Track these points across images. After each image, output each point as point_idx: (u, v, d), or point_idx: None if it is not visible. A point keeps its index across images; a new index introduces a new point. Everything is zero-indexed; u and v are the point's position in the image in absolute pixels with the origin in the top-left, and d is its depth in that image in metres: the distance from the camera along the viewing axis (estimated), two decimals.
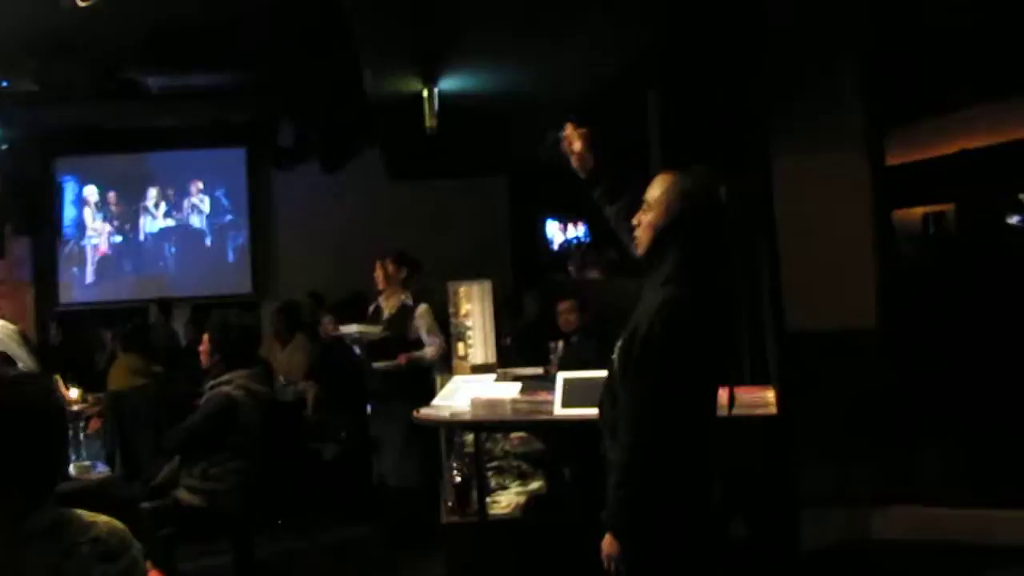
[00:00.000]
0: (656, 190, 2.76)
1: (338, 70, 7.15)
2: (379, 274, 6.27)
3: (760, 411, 3.67)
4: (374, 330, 6.14)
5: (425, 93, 6.08)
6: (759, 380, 4.14)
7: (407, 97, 6.34)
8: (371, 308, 6.48)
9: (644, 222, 2.76)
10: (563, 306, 6.85)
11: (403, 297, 6.20)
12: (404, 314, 6.10)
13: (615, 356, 2.74)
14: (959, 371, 5.59)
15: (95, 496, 3.20)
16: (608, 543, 2.66)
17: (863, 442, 4.89)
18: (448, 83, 6.18)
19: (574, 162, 3.22)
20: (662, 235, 2.71)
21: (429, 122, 6.18)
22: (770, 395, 3.78)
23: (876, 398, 4.96)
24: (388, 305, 6.27)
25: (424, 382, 5.72)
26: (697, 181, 2.74)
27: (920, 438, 5.11)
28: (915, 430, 5.09)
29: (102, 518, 2.05)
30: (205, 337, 4.95)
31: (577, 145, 3.18)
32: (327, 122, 10.01)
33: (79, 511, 2.03)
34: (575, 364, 5.38)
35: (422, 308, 6.07)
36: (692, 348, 2.62)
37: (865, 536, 4.74)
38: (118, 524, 2.07)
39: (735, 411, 3.32)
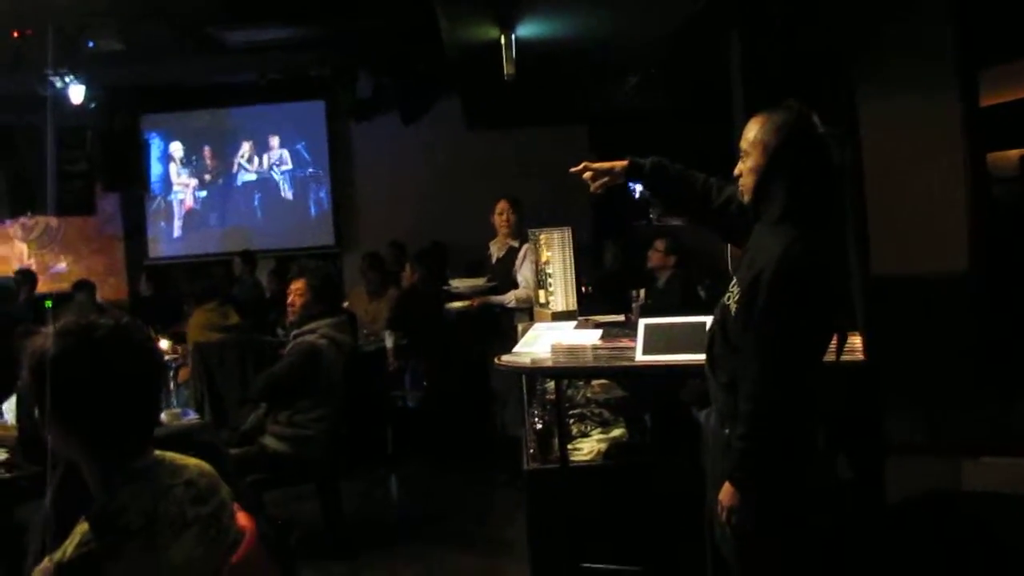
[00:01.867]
0: (750, 132, 2.69)
1: (414, 19, 7.12)
2: (501, 218, 6.30)
3: (847, 357, 3.58)
4: (478, 282, 6.22)
5: (503, 40, 6.02)
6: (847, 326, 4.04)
7: (484, 45, 6.29)
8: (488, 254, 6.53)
9: (745, 169, 2.70)
10: (657, 244, 6.83)
11: (511, 241, 6.22)
12: (512, 257, 6.13)
13: (731, 301, 2.70)
14: None
15: (182, 442, 3.26)
16: (728, 495, 2.62)
17: (954, 390, 4.76)
18: (525, 29, 6.11)
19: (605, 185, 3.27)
20: (766, 175, 2.64)
21: (508, 69, 6.13)
22: (857, 341, 3.69)
23: (968, 345, 4.82)
24: (498, 249, 6.35)
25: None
26: (790, 114, 2.65)
27: (1013, 386, 4.95)
28: (1008, 378, 4.94)
29: (192, 461, 2.10)
30: (297, 286, 5.02)
31: (600, 183, 3.18)
32: (405, 73, 9.99)
33: (172, 454, 2.09)
34: (659, 311, 5.36)
35: (528, 246, 5.94)
36: (818, 293, 2.56)
37: (955, 487, 4.63)
38: (207, 467, 2.13)
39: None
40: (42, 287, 10.91)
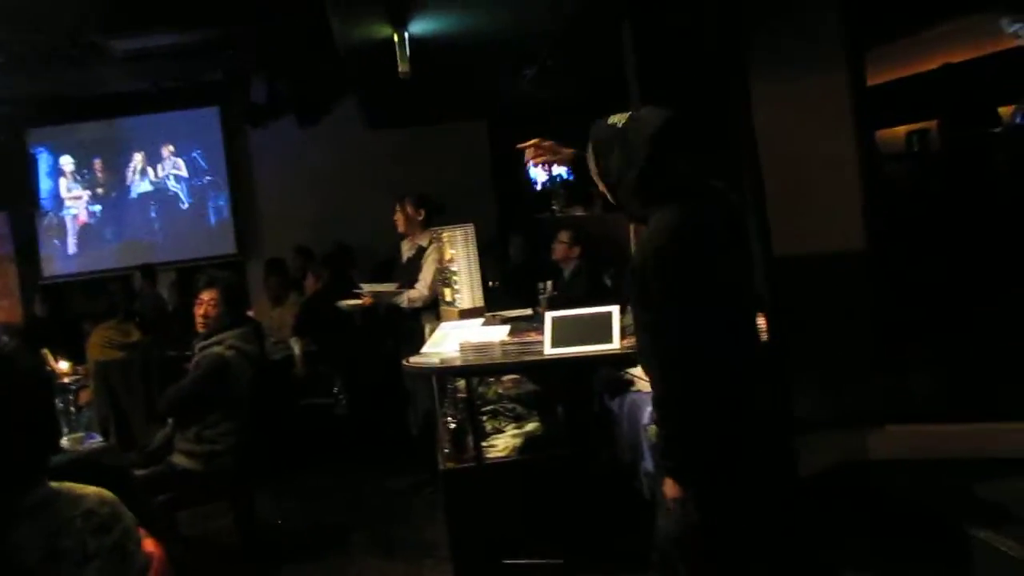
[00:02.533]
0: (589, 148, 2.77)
1: (307, 20, 7.01)
2: (399, 217, 6.21)
3: None
4: (388, 287, 6.11)
5: (396, 38, 5.96)
6: None
7: (378, 43, 6.22)
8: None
9: (594, 177, 2.77)
10: (561, 235, 6.85)
11: (420, 241, 6.12)
12: (420, 256, 6.04)
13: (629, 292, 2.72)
14: (947, 288, 5.59)
15: (86, 467, 3.17)
16: (670, 486, 2.60)
17: (855, 364, 4.89)
18: (418, 26, 6.06)
19: (560, 165, 3.24)
20: (607, 176, 2.71)
21: (402, 67, 6.07)
22: (761, 321, 3.76)
23: (866, 319, 4.95)
24: (406, 248, 6.27)
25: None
26: (610, 116, 2.73)
27: (911, 357, 5.11)
28: (906, 349, 5.09)
29: (91, 489, 2.03)
30: (208, 296, 4.89)
31: (547, 156, 3.21)
32: (300, 75, 9.85)
33: (69, 484, 2.00)
34: (566, 302, 5.39)
35: (433, 247, 5.85)
36: (694, 268, 2.53)
37: (862, 458, 4.76)
38: (108, 494, 2.05)
39: None
40: None
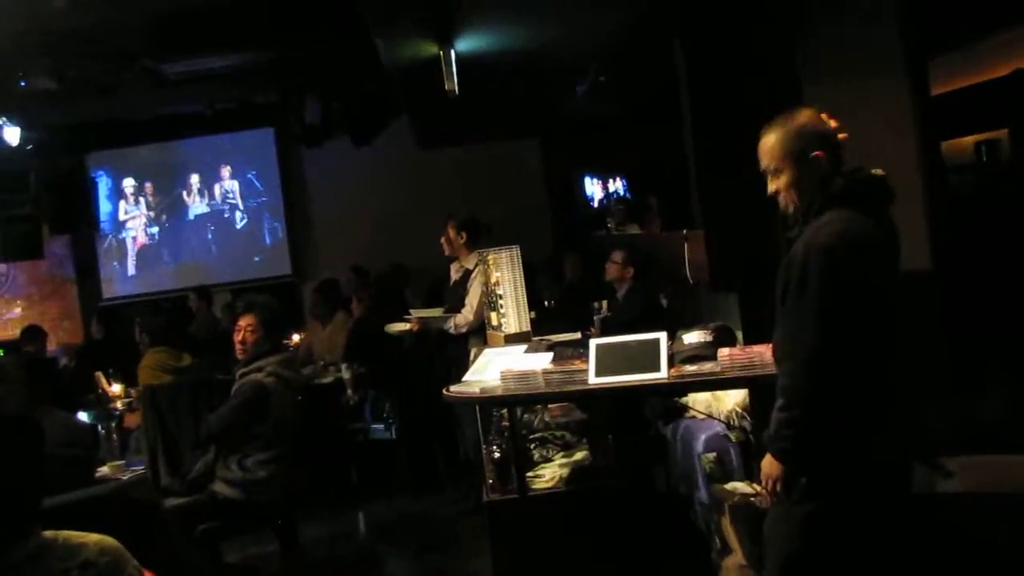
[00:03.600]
0: (769, 150, 2.73)
1: (359, 41, 6.95)
2: (444, 240, 6.11)
3: None
4: (435, 313, 6.04)
5: (442, 56, 5.87)
6: None
7: (424, 62, 6.14)
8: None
9: (781, 187, 2.73)
10: (615, 256, 6.67)
11: (467, 263, 6.01)
12: (466, 279, 5.94)
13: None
14: (1020, 306, 5.29)
15: (114, 502, 3.10)
16: (768, 463, 2.64)
17: (921, 390, 4.62)
18: (465, 44, 5.96)
19: None
20: (810, 184, 2.68)
21: (448, 86, 5.98)
22: None
23: (934, 342, 4.69)
24: (454, 271, 6.18)
25: None
26: (799, 116, 2.73)
27: (984, 382, 4.83)
28: (978, 373, 4.82)
29: (92, 538, 1.92)
30: (247, 322, 4.81)
31: None
32: (353, 95, 9.83)
33: (67, 533, 1.90)
34: (621, 324, 5.21)
35: (477, 271, 5.77)
36: (848, 266, 2.54)
37: (931, 490, 4.49)
38: (109, 543, 1.94)
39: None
40: None
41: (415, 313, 6.14)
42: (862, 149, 4.79)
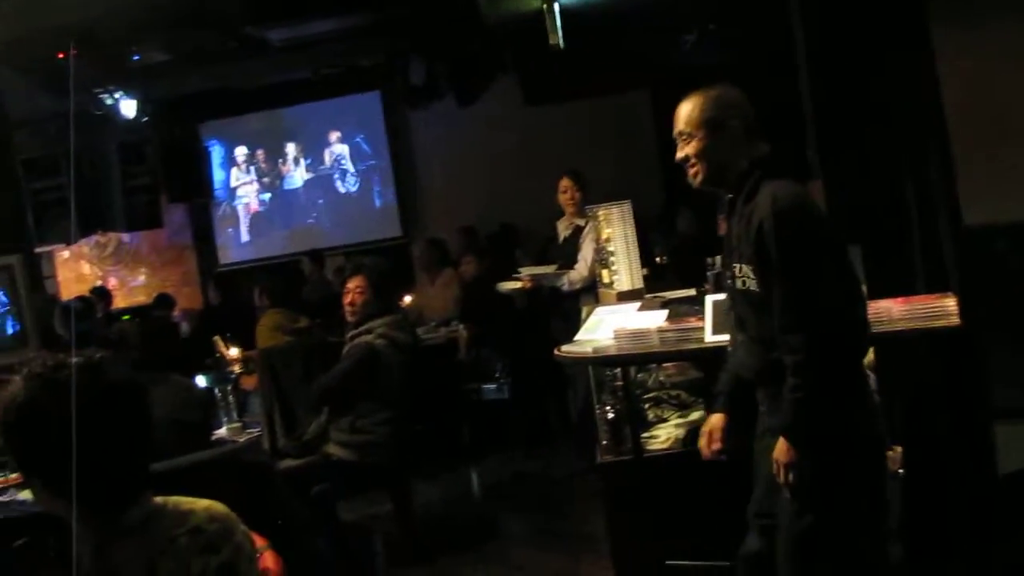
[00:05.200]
0: (684, 117, 2.68)
1: None
2: (563, 197, 5.94)
3: (940, 322, 3.23)
4: (547, 270, 5.92)
5: (545, 8, 5.73)
6: (937, 287, 3.67)
7: (528, 16, 6.02)
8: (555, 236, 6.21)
9: (692, 151, 2.66)
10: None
11: (578, 220, 5.87)
12: (577, 236, 5.82)
13: (744, 284, 2.61)
14: None
15: (227, 465, 3.13)
16: (783, 450, 2.53)
17: None
18: None
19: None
20: (721, 154, 2.63)
21: (553, 39, 5.85)
22: (951, 303, 3.34)
23: None
24: (563, 228, 6.03)
25: None
26: (722, 88, 2.70)
27: None
28: None
29: (202, 504, 1.89)
30: (355, 284, 4.83)
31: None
32: (457, 54, 9.74)
33: (176, 499, 1.88)
34: None
35: (589, 227, 5.64)
36: (822, 229, 2.54)
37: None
38: (220, 509, 1.91)
39: (912, 325, 3.20)
40: (121, 302, 11.05)
41: (526, 271, 6.03)
42: (999, 90, 4.51)
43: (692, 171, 2.68)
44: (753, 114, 2.66)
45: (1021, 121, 4.42)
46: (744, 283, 2.59)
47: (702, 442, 3.03)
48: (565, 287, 5.72)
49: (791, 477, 2.52)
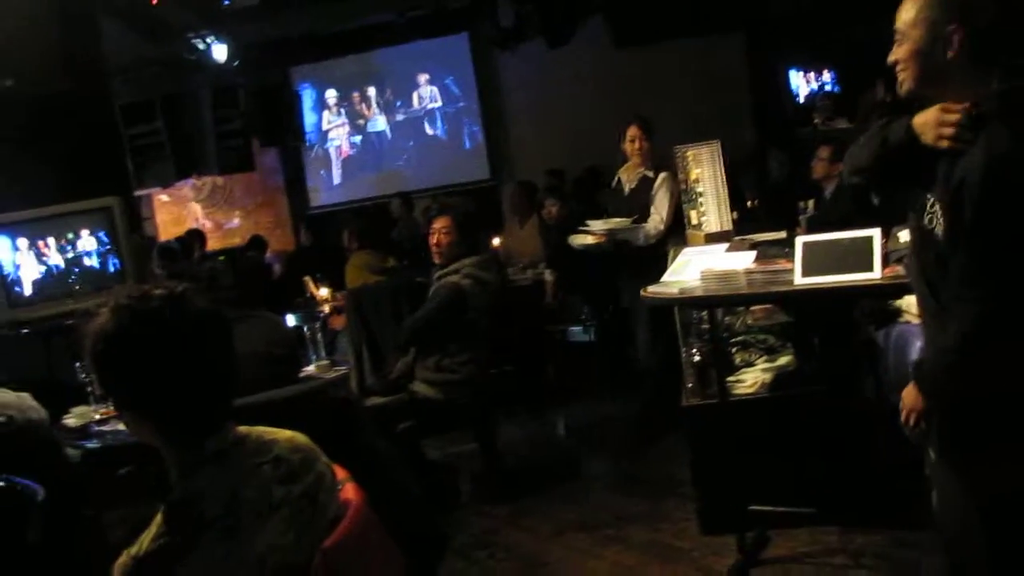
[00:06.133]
0: (907, 10, 2.25)
1: None
2: (631, 147, 5.65)
3: None
4: (623, 222, 5.55)
5: None
6: None
7: None
8: (614, 183, 5.95)
9: (902, 55, 2.26)
10: (821, 152, 6.29)
11: (646, 171, 5.63)
12: (646, 187, 5.59)
13: (934, 224, 2.27)
14: None
15: (313, 400, 3.19)
16: (913, 396, 2.35)
17: None
18: None
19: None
20: (935, 62, 2.21)
21: None
22: None
23: None
24: (629, 178, 5.76)
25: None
26: None
27: None
28: None
29: (284, 435, 1.93)
30: (441, 224, 4.85)
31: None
32: None
33: (261, 429, 1.92)
34: (829, 223, 4.89)
35: (663, 175, 5.49)
36: None
37: None
38: (301, 440, 1.95)
39: None
40: (216, 244, 11.33)
41: (596, 226, 5.65)
42: None
43: (901, 76, 2.31)
44: (990, 21, 2.19)
45: None
46: (932, 222, 2.28)
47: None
48: (641, 241, 5.49)
49: (912, 422, 2.37)
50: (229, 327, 1.89)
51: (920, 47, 2.23)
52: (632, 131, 5.65)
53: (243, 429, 1.88)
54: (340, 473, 2.04)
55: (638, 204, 5.57)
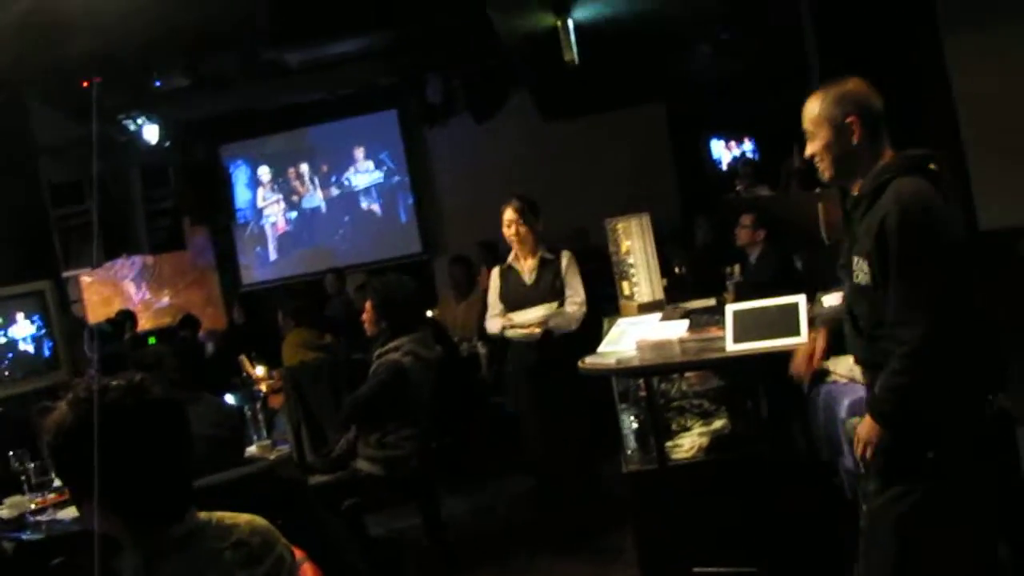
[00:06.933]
0: (811, 112, 2.68)
1: (475, 17, 6.95)
2: (508, 231, 5.19)
3: None
4: (552, 310, 5.07)
5: (559, 26, 5.81)
6: None
7: (543, 34, 6.10)
8: (496, 272, 5.39)
9: (816, 150, 2.69)
10: (744, 220, 6.51)
11: (544, 253, 5.21)
12: (552, 270, 5.15)
13: (860, 279, 2.61)
14: None
15: (261, 481, 3.20)
16: (868, 428, 2.58)
17: None
18: (582, 12, 5.89)
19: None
20: (843, 150, 2.63)
21: (568, 56, 5.92)
22: None
23: None
24: (527, 266, 5.22)
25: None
26: (845, 84, 2.67)
27: None
28: None
29: (243, 518, 1.97)
30: (368, 305, 4.95)
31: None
32: (472, 72, 9.85)
33: (220, 514, 1.95)
34: (755, 288, 5.08)
35: (567, 255, 5.16)
36: (947, 228, 2.51)
37: None
38: (260, 523, 1.99)
39: None
40: (147, 323, 11.17)
41: (527, 317, 5.11)
42: (1010, 94, 4.55)
43: (820, 167, 2.71)
44: (880, 109, 2.64)
45: None
46: (858, 276, 2.61)
47: (799, 359, 3.05)
48: (574, 327, 5.06)
49: (868, 455, 2.58)
50: (185, 413, 1.93)
51: (829, 141, 2.64)
52: (509, 214, 5.22)
53: (203, 515, 1.91)
54: (297, 553, 2.07)
55: (547, 290, 5.13)
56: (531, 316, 5.08)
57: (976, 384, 2.54)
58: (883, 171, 2.58)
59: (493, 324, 5.28)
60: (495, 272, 5.43)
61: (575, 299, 5.10)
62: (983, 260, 4.03)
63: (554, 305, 5.08)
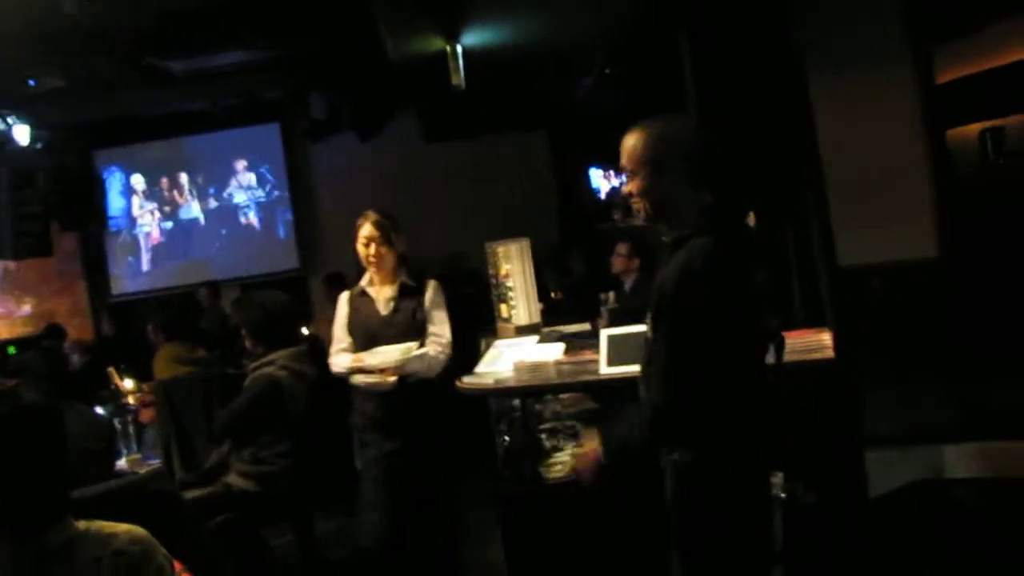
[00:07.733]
0: (631, 149, 2.57)
1: (363, 36, 6.99)
2: (367, 251, 4.43)
3: (816, 355, 3.49)
4: (408, 350, 4.31)
5: (448, 50, 5.91)
6: (814, 322, 3.96)
7: (431, 57, 6.18)
8: (344, 298, 4.65)
9: (634, 190, 2.58)
10: (619, 248, 6.68)
11: (404, 280, 4.51)
12: (414, 300, 4.48)
13: (648, 325, 2.59)
14: None
15: (133, 494, 3.15)
16: (590, 463, 2.79)
17: (930, 378, 4.67)
18: (471, 38, 6.00)
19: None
20: (661, 194, 2.54)
21: (455, 80, 6.02)
22: (826, 337, 3.60)
23: (941, 331, 4.73)
24: (383, 293, 4.50)
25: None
26: (670, 123, 2.59)
27: (990, 370, 4.88)
28: (984, 362, 4.86)
29: (122, 527, 1.97)
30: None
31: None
32: (358, 90, 9.86)
33: (99, 523, 1.95)
34: (629, 314, 5.24)
35: (433, 285, 4.51)
36: (716, 297, 2.41)
37: (937, 475, 4.54)
38: (139, 532, 1.99)
39: (792, 357, 3.19)
40: (6, 332, 10.73)
41: (374, 360, 4.37)
42: (869, 138, 4.86)
43: (636, 207, 2.62)
44: (701, 152, 2.54)
45: (887, 168, 4.79)
46: (649, 331, 2.57)
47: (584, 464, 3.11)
48: (435, 372, 4.37)
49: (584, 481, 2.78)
50: (62, 419, 1.93)
51: (648, 184, 2.54)
52: (367, 230, 4.45)
53: (82, 523, 1.91)
54: (176, 565, 2.08)
55: (406, 325, 4.42)
56: (384, 357, 4.30)
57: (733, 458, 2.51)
58: (686, 225, 2.49)
59: (339, 361, 4.50)
60: (343, 298, 4.62)
61: (439, 340, 4.36)
62: (840, 296, 4.32)
63: (413, 345, 4.30)
